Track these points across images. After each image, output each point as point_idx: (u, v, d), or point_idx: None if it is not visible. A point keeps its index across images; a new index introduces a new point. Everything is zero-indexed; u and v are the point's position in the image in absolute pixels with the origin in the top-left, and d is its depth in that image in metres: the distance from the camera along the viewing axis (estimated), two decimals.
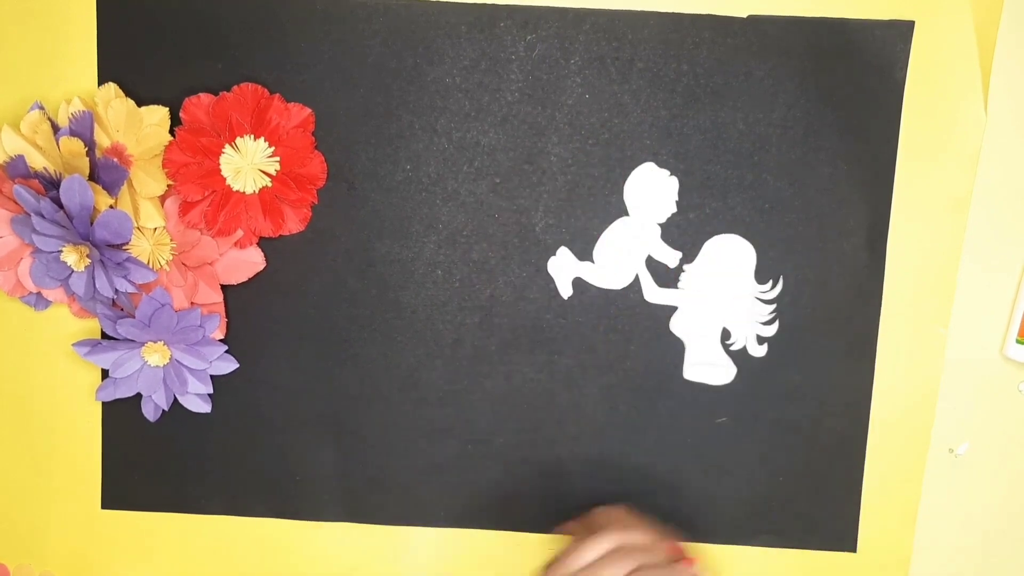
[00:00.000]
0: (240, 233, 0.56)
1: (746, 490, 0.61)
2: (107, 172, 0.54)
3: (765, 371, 0.59)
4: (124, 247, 0.55)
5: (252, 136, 0.55)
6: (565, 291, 0.59)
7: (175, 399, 0.59)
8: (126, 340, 0.57)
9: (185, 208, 0.55)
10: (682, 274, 0.58)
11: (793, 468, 0.60)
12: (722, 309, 0.59)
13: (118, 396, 0.58)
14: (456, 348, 0.60)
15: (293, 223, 0.57)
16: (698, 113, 0.57)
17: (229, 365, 0.59)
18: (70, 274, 0.55)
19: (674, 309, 0.59)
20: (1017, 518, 0.60)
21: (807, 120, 0.56)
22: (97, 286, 0.54)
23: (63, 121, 0.55)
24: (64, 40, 0.57)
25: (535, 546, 0.62)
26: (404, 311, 0.59)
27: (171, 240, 0.56)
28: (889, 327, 0.58)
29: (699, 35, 0.56)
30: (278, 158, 0.55)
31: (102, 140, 0.55)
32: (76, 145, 0.54)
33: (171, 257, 0.57)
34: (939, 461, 0.59)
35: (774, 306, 0.58)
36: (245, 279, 0.58)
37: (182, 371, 0.58)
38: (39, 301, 0.58)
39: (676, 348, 0.60)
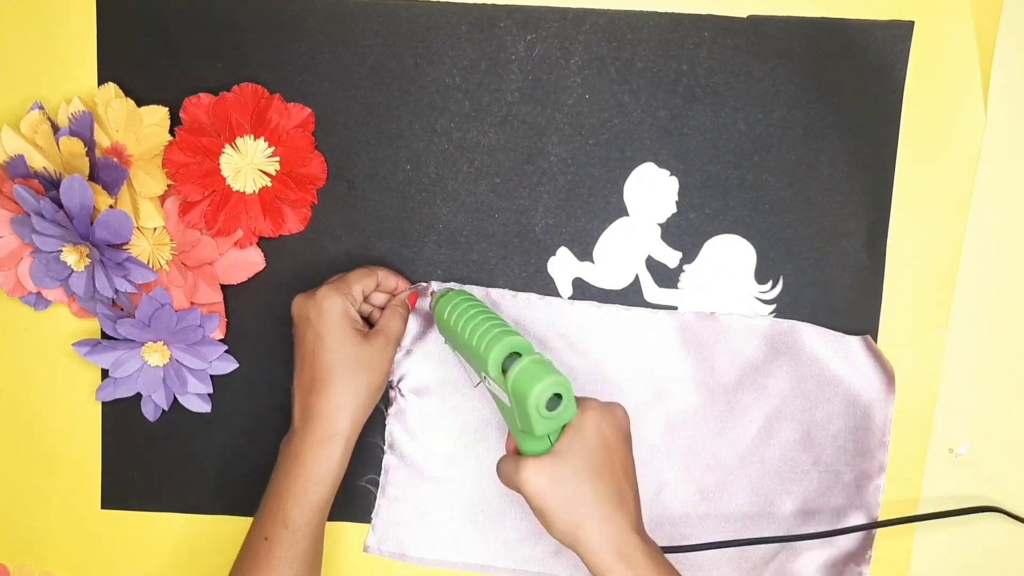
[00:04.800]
0: (240, 233, 0.56)
1: None
2: (107, 172, 0.54)
3: None
4: (124, 247, 0.55)
5: (252, 136, 0.55)
6: (565, 291, 0.59)
7: (175, 399, 0.59)
8: (126, 340, 0.57)
9: (185, 208, 0.55)
10: (682, 274, 0.58)
11: None
12: (722, 309, 0.58)
13: (118, 396, 0.58)
14: None
15: (293, 223, 0.57)
16: (698, 113, 0.57)
17: (229, 365, 0.59)
18: (70, 274, 0.55)
19: (674, 309, 0.59)
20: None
21: (807, 120, 0.56)
22: (97, 286, 0.54)
23: (63, 121, 0.55)
24: (64, 40, 0.57)
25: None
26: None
27: (171, 240, 0.56)
28: (889, 327, 0.58)
29: (699, 35, 0.56)
30: (278, 158, 0.55)
31: (102, 140, 0.55)
32: (76, 145, 0.54)
33: (171, 257, 0.57)
34: (939, 461, 0.59)
35: (774, 306, 0.58)
36: (245, 279, 0.58)
37: (182, 371, 0.58)
38: (39, 301, 0.58)
39: None
